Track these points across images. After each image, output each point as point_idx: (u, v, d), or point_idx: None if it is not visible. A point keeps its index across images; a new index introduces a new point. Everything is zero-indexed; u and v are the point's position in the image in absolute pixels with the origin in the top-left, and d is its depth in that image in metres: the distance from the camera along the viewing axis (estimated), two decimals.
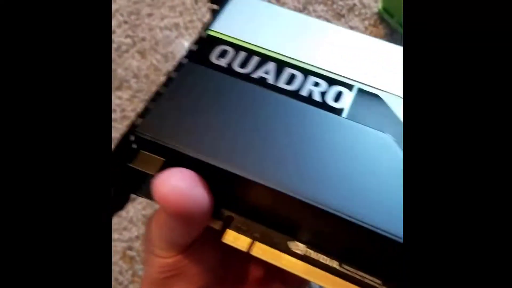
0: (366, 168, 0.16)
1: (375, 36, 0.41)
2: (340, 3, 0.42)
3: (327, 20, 0.42)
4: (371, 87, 0.18)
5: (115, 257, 0.37)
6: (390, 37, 0.40)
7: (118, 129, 0.38)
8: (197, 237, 0.19)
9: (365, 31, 0.41)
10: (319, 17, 0.42)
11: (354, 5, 0.42)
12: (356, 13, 0.42)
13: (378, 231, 0.15)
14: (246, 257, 0.22)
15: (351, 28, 0.41)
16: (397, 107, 0.18)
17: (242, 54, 0.19)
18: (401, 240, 0.15)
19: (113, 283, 0.37)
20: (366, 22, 0.41)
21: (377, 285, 0.17)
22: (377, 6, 0.41)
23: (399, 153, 0.17)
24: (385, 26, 0.41)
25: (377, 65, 0.19)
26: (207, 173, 0.17)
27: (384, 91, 0.18)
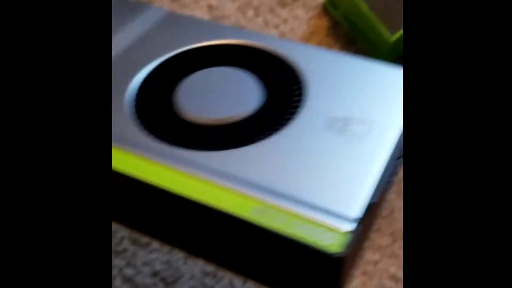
0: None
1: (318, 28, 0.40)
2: None
3: (271, 8, 0.40)
4: None
5: None
6: (333, 29, 0.40)
7: None
8: None
9: (309, 21, 0.40)
10: (263, 3, 0.40)
11: None
12: (301, 2, 0.41)
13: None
14: None
15: (295, 18, 0.40)
16: None
17: None
18: None
19: None
20: (310, 13, 0.40)
21: None
22: None
23: None
24: (329, 19, 0.40)
25: None
26: None
27: None
